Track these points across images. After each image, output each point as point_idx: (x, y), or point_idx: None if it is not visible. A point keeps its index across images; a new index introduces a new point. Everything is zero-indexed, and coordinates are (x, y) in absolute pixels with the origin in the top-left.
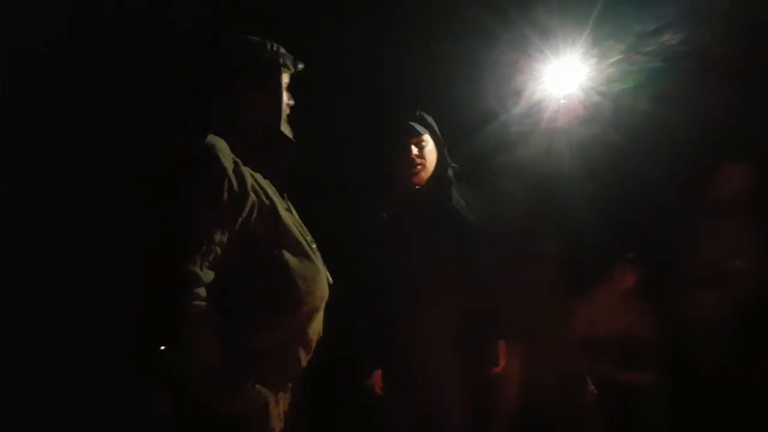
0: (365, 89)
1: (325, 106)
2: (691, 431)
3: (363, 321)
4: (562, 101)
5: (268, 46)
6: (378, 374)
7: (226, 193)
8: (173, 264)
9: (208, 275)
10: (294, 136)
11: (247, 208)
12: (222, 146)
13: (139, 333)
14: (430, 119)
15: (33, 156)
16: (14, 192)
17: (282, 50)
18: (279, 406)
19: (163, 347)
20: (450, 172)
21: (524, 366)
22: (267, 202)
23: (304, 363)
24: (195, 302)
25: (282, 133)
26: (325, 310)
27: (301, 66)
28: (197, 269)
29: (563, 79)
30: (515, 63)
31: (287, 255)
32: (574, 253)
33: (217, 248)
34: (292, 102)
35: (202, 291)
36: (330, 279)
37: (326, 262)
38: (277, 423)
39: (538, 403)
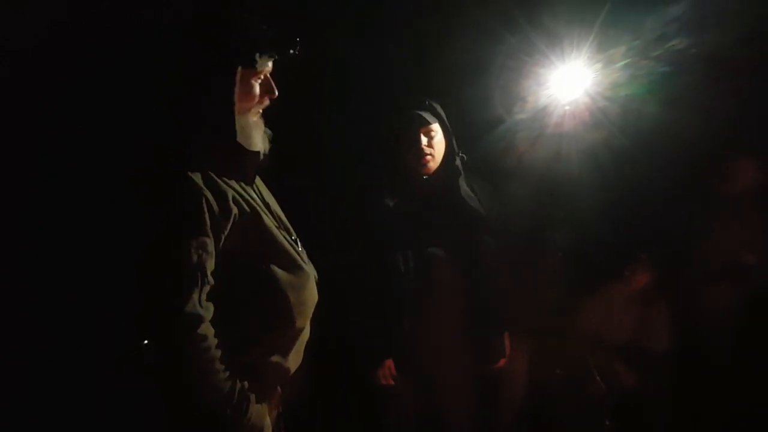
0: (371, 94)
1: (331, 107)
2: (700, 425)
3: (370, 311)
4: (568, 107)
5: (228, 36)
6: (387, 364)
7: (207, 216)
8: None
9: (210, 309)
10: (270, 136)
11: (230, 224)
12: (192, 164)
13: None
14: (439, 108)
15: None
16: None
17: (254, 36)
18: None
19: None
20: (458, 161)
21: (530, 359)
22: (248, 210)
23: (293, 369)
24: (201, 344)
25: (239, 144)
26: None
27: (295, 50)
28: (196, 308)
29: (570, 84)
30: (521, 68)
31: (275, 269)
32: (582, 249)
33: (211, 278)
34: (274, 94)
35: (206, 329)
36: (317, 276)
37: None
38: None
39: (545, 396)
